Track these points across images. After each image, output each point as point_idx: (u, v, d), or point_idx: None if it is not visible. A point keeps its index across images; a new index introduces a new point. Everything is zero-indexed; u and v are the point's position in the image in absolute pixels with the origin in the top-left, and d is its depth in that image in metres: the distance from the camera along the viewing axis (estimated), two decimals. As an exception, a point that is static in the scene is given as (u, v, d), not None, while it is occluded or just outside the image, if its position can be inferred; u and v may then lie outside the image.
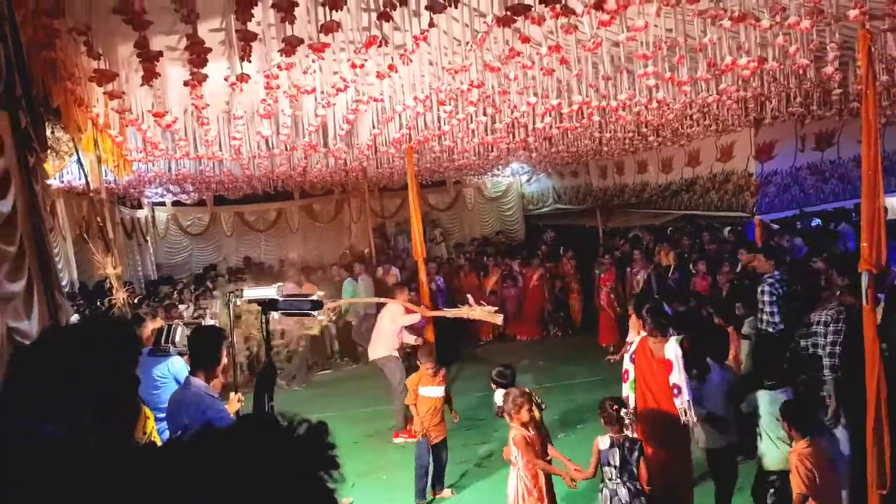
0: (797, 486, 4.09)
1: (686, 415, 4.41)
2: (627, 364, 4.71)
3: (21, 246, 1.89)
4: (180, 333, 4.30)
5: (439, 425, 5.70)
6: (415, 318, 7.60)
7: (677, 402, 4.42)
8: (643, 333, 4.73)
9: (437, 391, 5.70)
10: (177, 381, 4.67)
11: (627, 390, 4.66)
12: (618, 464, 4.18)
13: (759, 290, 6.43)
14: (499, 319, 7.27)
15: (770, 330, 6.27)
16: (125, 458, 0.86)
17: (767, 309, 6.22)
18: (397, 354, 7.51)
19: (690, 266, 9.45)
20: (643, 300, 5.01)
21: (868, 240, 3.95)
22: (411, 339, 7.62)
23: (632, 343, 4.94)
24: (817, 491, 4.07)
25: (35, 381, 1.32)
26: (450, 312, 7.90)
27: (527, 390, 4.79)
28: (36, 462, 0.92)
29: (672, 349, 4.53)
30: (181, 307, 9.55)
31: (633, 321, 5.13)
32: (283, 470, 0.83)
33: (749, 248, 8.11)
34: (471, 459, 6.43)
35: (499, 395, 4.69)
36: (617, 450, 4.19)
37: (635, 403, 4.57)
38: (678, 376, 4.47)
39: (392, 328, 7.47)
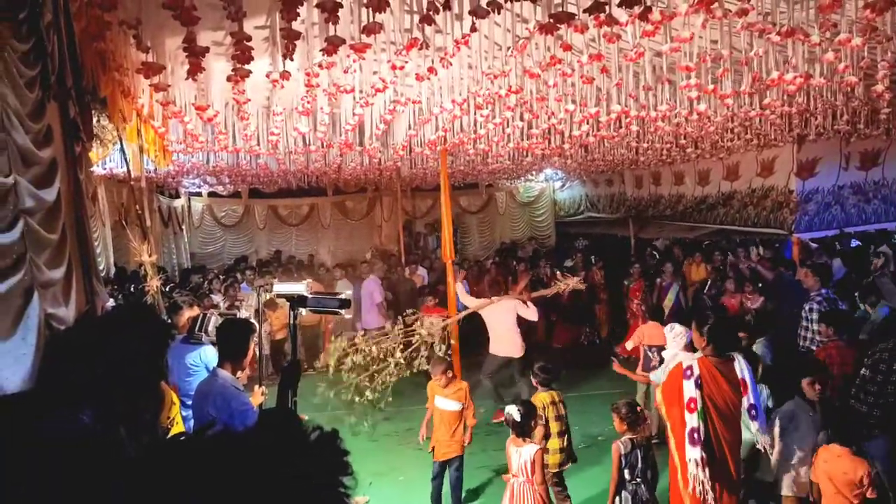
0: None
1: (762, 441, 4.40)
2: (692, 392, 4.20)
3: (63, 233, 1.94)
4: (213, 323, 4.37)
5: (450, 441, 5.38)
6: (534, 313, 7.63)
7: (754, 425, 4.36)
8: (696, 354, 4.40)
9: (449, 404, 5.43)
10: (208, 369, 4.73)
11: (696, 421, 4.20)
12: (639, 464, 4.37)
13: (807, 307, 6.31)
14: (582, 286, 7.74)
15: (814, 347, 6.16)
16: (149, 456, 0.87)
17: (814, 327, 6.10)
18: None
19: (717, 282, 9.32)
20: (704, 317, 4.62)
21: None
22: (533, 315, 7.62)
23: (658, 358, 4.84)
24: None
25: (69, 368, 1.35)
26: (545, 292, 8.03)
27: (555, 397, 4.99)
28: (71, 455, 0.94)
29: (743, 368, 4.47)
30: (215, 297, 9.71)
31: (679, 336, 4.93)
32: (296, 473, 0.84)
33: (787, 266, 7.97)
34: (489, 465, 6.40)
35: (514, 409, 4.62)
36: (638, 451, 4.40)
37: (706, 433, 4.17)
38: (754, 396, 4.42)
39: (513, 324, 7.47)
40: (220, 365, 3.53)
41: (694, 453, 4.13)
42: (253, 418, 3.24)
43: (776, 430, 4.62)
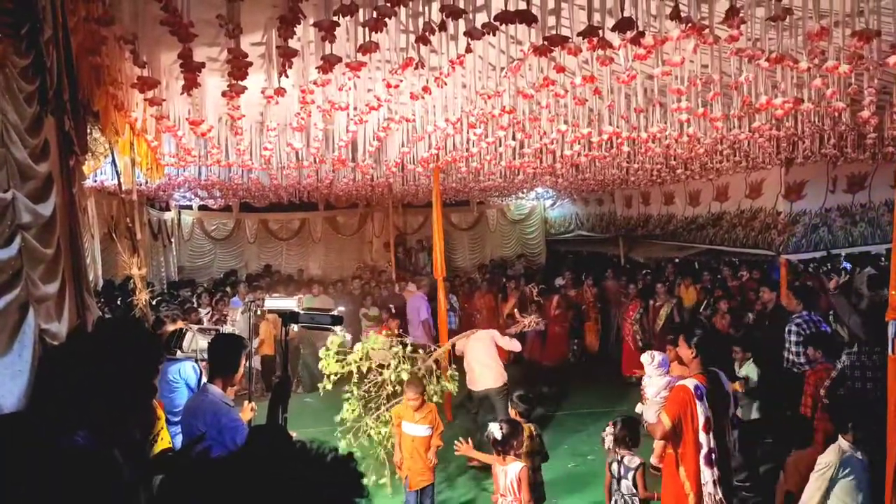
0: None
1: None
2: (707, 412, 4.12)
3: (57, 248, 1.93)
4: (189, 339, 4.32)
5: (423, 469, 5.23)
6: (516, 345, 7.32)
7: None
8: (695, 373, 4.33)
9: (419, 430, 5.22)
10: (188, 385, 4.69)
11: (713, 441, 4.13)
12: (620, 476, 4.53)
13: (787, 329, 6.36)
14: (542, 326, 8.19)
15: (794, 370, 6.20)
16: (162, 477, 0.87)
17: (793, 349, 6.15)
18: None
19: (711, 302, 9.35)
20: (691, 331, 4.56)
21: (898, 288, 3.89)
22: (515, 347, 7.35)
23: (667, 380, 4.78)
24: None
25: (61, 388, 1.34)
26: (510, 331, 8.00)
27: (532, 430, 4.96)
28: (70, 474, 0.94)
29: (726, 381, 4.49)
30: (201, 312, 9.65)
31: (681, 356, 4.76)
32: (314, 493, 0.85)
33: (771, 287, 8.02)
34: (482, 479, 6.35)
35: (495, 427, 4.54)
36: (621, 466, 4.55)
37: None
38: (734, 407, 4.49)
39: (493, 355, 7.00)
40: (210, 381, 3.50)
41: (712, 475, 4.08)
42: (243, 435, 3.21)
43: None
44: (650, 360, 5.65)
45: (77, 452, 1.23)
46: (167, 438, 3.60)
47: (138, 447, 1.38)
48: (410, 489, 5.28)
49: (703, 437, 4.11)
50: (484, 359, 6.93)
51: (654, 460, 5.09)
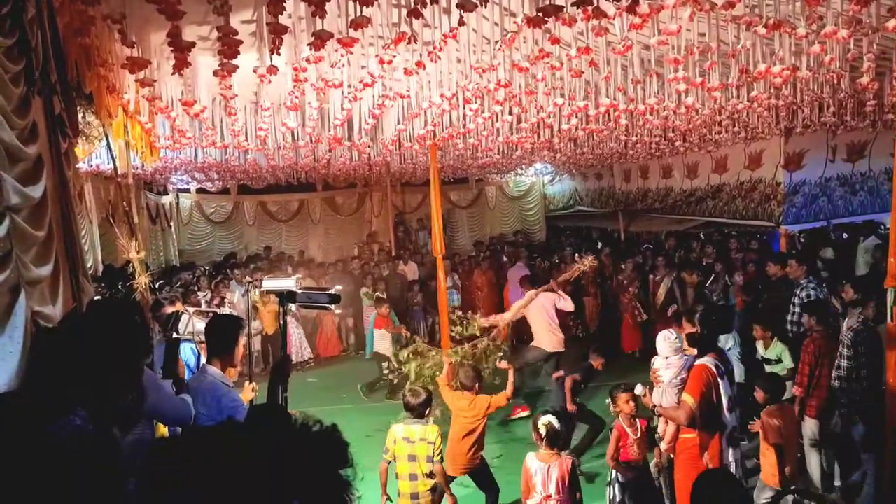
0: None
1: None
2: (730, 390, 4.07)
3: (49, 230, 1.92)
4: (184, 322, 4.33)
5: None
6: (570, 304, 7.83)
7: (729, 417, 4.32)
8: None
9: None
10: (187, 366, 4.72)
11: (736, 419, 4.12)
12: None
13: (795, 294, 6.43)
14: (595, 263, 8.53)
15: (794, 330, 6.32)
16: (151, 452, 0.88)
17: (797, 310, 6.20)
18: None
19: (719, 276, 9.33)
20: (692, 309, 4.66)
21: (895, 254, 3.88)
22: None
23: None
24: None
25: (56, 368, 1.34)
26: (566, 275, 8.34)
27: None
28: (74, 458, 0.95)
29: (731, 359, 4.60)
30: (200, 294, 9.67)
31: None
32: (300, 463, 0.85)
33: (775, 261, 8.01)
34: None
35: (553, 419, 4.19)
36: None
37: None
38: (729, 388, 4.45)
39: (551, 320, 7.61)
40: (209, 362, 3.51)
41: (736, 454, 4.04)
42: (243, 415, 3.23)
43: None
44: (667, 339, 5.13)
45: (77, 433, 1.24)
46: (162, 428, 3.62)
47: (132, 423, 1.38)
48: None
49: (726, 416, 4.01)
50: (545, 321, 7.53)
51: (664, 446, 4.80)
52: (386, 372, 8.43)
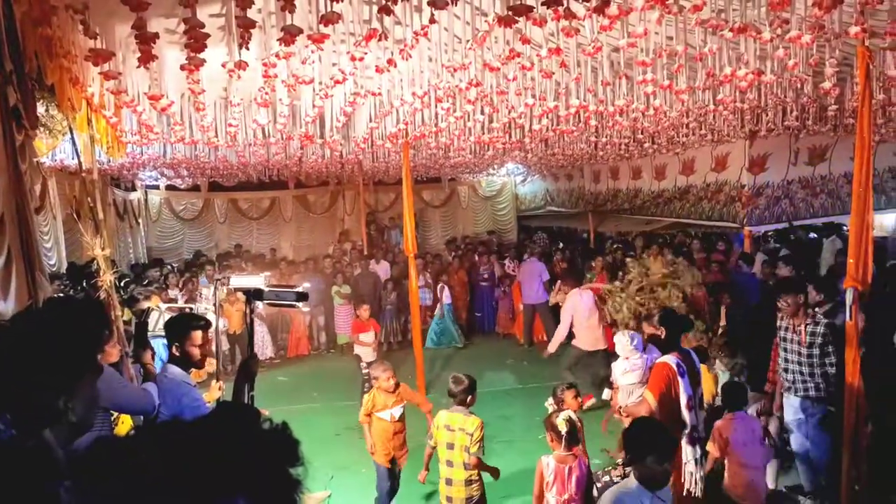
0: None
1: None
2: (689, 389, 4.14)
3: (2, 224, 1.87)
4: (154, 318, 4.28)
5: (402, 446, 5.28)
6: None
7: (688, 415, 4.37)
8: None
9: (395, 412, 5.19)
10: (161, 361, 4.66)
11: (696, 418, 4.18)
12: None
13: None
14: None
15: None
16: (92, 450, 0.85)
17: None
18: None
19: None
20: (650, 313, 4.63)
21: (855, 256, 3.99)
22: None
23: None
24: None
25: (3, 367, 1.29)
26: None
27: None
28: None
29: (697, 360, 4.59)
30: (171, 292, 9.51)
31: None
32: (246, 461, 0.84)
33: (743, 260, 8.19)
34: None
35: (571, 415, 4.10)
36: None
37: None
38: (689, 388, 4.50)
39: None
40: (170, 361, 3.46)
41: (695, 453, 4.09)
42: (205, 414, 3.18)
43: None
44: (627, 340, 5.36)
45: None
46: (128, 421, 3.56)
47: (81, 424, 1.34)
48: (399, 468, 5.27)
49: (686, 414, 4.08)
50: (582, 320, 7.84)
51: None
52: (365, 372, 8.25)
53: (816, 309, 5.45)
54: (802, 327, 5.05)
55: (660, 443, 2.95)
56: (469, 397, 4.40)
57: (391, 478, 5.26)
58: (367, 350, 8.21)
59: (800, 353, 5.07)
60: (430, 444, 4.52)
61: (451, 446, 4.35)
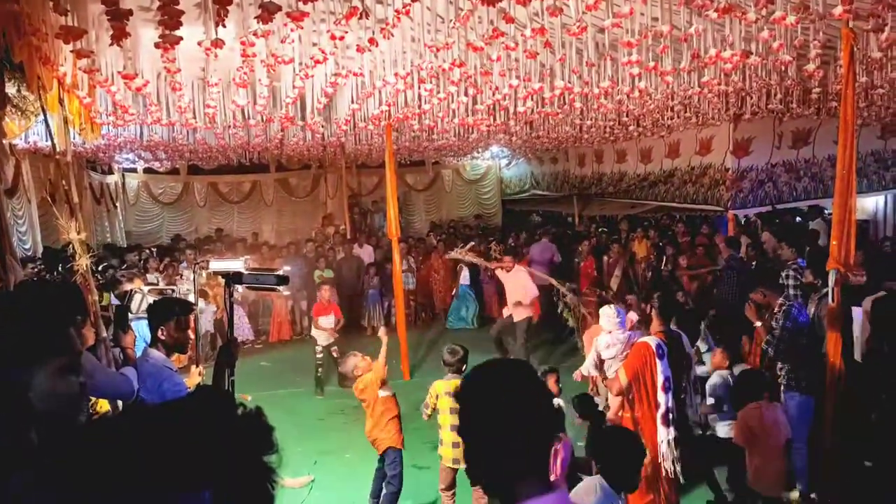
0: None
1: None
2: (667, 371, 4.14)
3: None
4: (137, 300, 4.22)
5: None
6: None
7: (664, 397, 4.31)
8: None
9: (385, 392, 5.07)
10: (145, 342, 4.60)
11: (672, 401, 4.19)
12: None
13: (784, 274, 6.57)
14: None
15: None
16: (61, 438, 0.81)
17: (792, 292, 6.35)
18: None
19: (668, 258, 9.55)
20: (649, 292, 4.60)
21: (838, 238, 4.01)
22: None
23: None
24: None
25: None
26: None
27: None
28: None
29: (687, 343, 4.64)
30: (150, 276, 9.38)
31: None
32: (219, 447, 0.80)
33: (729, 244, 8.24)
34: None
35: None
36: None
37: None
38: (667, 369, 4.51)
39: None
40: (151, 345, 3.39)
41: (668, 434, 4.08)
42: (187, 400, 3.13)
43: None
44: (613, 313, 5.25)
45: None
46: (105, 404, 3.49)
47: (56, 412, 1.29)
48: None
49: (661, 396, 4.09)
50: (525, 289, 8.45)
51: (610, 416, 4.98)
52: (319, 357, 8.19)
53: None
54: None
55: (628, 455, 3.06)
56: (464, 366, 4.72)
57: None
58: (323, 335, 8.17)
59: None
60: (427, 412, 4.77)
61: (454, 411, 4.35)
